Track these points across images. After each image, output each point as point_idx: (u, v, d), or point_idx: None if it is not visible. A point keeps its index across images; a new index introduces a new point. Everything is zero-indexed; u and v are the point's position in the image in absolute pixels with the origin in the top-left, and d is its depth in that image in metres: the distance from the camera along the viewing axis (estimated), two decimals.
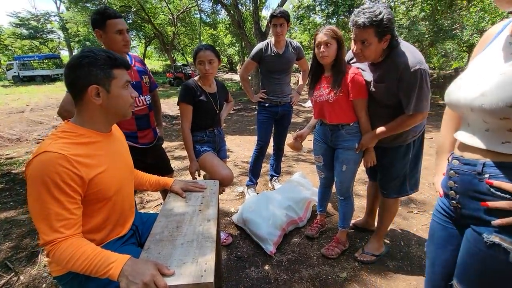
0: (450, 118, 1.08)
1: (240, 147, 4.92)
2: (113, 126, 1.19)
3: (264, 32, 9.69)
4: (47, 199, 0.88)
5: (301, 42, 17.45)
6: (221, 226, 2.41)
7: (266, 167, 3.59)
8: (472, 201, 0.83)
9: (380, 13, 1.38)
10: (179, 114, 2.04)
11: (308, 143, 2.46)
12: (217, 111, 2.06)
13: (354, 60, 1.76)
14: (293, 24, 13.45)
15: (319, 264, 1.97)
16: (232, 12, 11.05)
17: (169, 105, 10.11)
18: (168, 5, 21.91)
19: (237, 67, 31.28)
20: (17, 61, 23.62)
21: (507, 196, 0.74)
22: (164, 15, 23.34)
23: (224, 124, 6.20)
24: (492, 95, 0.73)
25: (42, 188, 0.87)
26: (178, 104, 1.97)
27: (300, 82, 2.96)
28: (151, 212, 2.67)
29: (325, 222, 2.35)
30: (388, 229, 2.19)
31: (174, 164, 3.95)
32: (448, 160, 0.94)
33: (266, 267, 1.95)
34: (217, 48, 1.96)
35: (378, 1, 10.03)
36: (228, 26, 23.70)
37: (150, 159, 1.93)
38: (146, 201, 2.95)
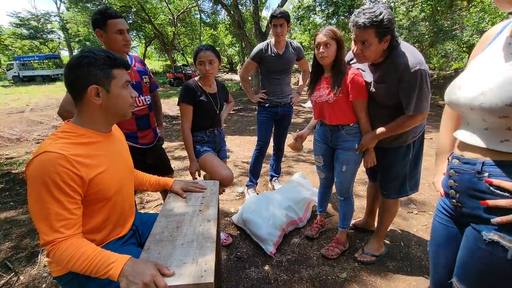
0: (450, 117, 1.09)
1: (240, 148, 4.92)
2: (113, 126, 1.19)
3: (264, 32, 9.69)
4: (47, 199, 0.88)
5: (301, 43, 17.46)
6: (221, 226, 2.41)
7: (266, 167, 3.59)
8: (472, 199, 0.83)
9: (380, 14, 1.38)
10: (179, 114, 2.04)
11: (308, 143, 2.47)
12: (217, 112, 2.06)
13: (354, 60, 1.76)
14: (293, 25, 13.46)
15: (319, 265, 1.97)
16: (232, 12, 11.06)
17: (169, 105, 10.12)
18: (168, 5, 21.92)
19: (237, 68, 31.29)
20: (17, 61, 23.63)
21: (506, 194, 0.75)
22: (164, 15, 23.35)
23: (224, 125, 6.19)
24: (491, 94, 0.74)
25: (42, 188, 0.87)
26: (178, 104, 1.97)
27: (300, 83, 2.96)
28: (151, 212, 2.67)
29: (325, 222, 2.35)
30: (388, 230, 2.19)
31: (174, 164, 3.95)
32: (448, 159, 0.95)
33: (266, 267, 1.95)
34: (217, 49, 1.96)
35: (378, 2, 10.05)
36: (228, 26, 23.70)
37: (150, 159, 1.93)
38: (146, 201, 2.95)
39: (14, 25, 27.37)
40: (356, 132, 1.78)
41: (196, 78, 2.01)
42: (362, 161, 1.88)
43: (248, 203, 2.40)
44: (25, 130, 6.73)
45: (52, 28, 29.72)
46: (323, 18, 10.65)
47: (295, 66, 2.99)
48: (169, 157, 2.22)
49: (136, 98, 1.77)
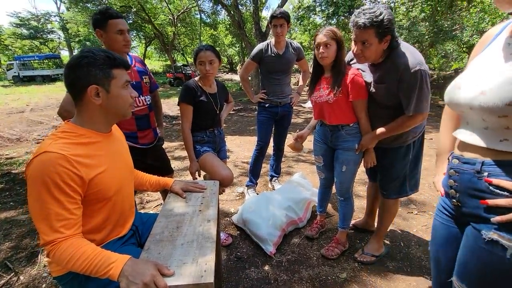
0: (450, 118, 1.09)
1: (240, 148, 4.93)
2: (113, 127, 1.19)
3: (264, 32, 9.70)
4: (47, 199, 0.88)
5: (301, 43, 17.46)
6: (221, 226, 2.41)
7: (266, 167, 3.59)
8: (472, 199, 0.84)
9: (380, 14, 1.38)
10: (179, 115, 2.04)
11: (308, 143, 2.47)
12: (217, 112, 2.06)
13: (354, 60, 1.76)
14: (293, 25, 13.46)
15: (319, 265, 1.97)
16: (232, 12, 11.06)
17: (169, 106, 10.13)
18: (169, 5, 21.93)
19: (237, 68, 31.28)
20: (17, 61, 23.63)
21: (506, 193, 0.76)
22: (165, 15, 23.35)
23: (224, 125, 6.19)
24: (491, 94, 0.75)
25: (42, 188, 0.87)
26: (178, 105, 1.97)
27: (300, 83, 2.96)
28: (151, 212, 2.67)
29: (325, 222, 2.35)
30: (388, 230, 2.19)
31: (174, 164, 3.95)
32: (448, 159, 0.95)
33: (266, 267, 1.95)
34: (217, 49, 1.96)
35: (379, 2, 10.06)
36: (228, 26, 23.70)
37: (150, 159, 1.93)
38: (146, 201, 2.95)
39: (14, 25, 27.38)
40: (356, 132, 1.79)
41: (196, 78, 2.01)
42: (362, 161, 1.88)
43: (248, 203, 2.40)
44: (25, 130, 6.73)
45: (52, 28, 29.74)
46: (323, 18, 10.65)
47: (295, 66, 2.99)
48: (169, 157, 2.22)
49: (136, 98, 1.77)
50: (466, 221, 0.88)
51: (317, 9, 10.81)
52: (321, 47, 1.67)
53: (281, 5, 10.00)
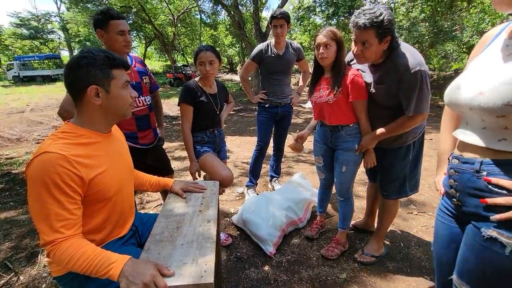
0: (450, 118, 1.11)
1: (240, 148, 4.93)
2: (113, 127, 1.19)
3: (264, 33, 9.70)
4: (47, 200, 0.88)
5: (301, 43, 17.48)
6: (221, 226, 2.41)
7: (266, 168, 3.59)
8: (472, 198, 0.85)
9: (380, 15, 1.38)
10: (180, 115, 2.04)
11: (309, 144, 2.47)
12: (218, 112, 2.06)
13: (354, 61, 1.77)
14: (294, 25, 13.48)
15: (319, 265, 1.97)
16: (232, 13, 11.07)
17: (169, 106, 10.13)
18: (169, 5, 21.94)
19: (237, 68, 31.30)
20: (17, 61, 23.63)
21: (504, 192, 0.77)
22: (165, 15, 23.37)
23: (224, 125, 6.19)
24: (490, 94, 0.76)
25: (42, 188, 0.88)
26: (178, 105, 1.97)
27: (300, 83, 2.96)
28: (151, 212, 2.67)
29: (324, 223, 2.35)
30: (388, 230, 2.19)
31: (174, 164, 3.95)
32: (449, 159, 0.97)
33: (266, 268, 1.95)
34: (217, 49, 1.96)
35: (379, 2, 10.06)
36: (228, 27, 23.70)
37: (150, 159, 1.93)
38: (146, 202, 2.95)
39: (14, 25, 27.42)
40: (356, 132, 1.79)
41: (197, 79, 2.01)
42: (362, 162, 1.88)
43: (248, 204, 2.41)
44: (25, 130, 6.73)
45: (53, 28, 29.77)
46: (323, 19, 10.66)
47: (295, 66, 2.99)
48: (169, 157, 2.22)
49: (136, 99, 1.77)
50: (467, 220, 0.89)
51: (317, 9, 10.82)
52: (321, 48, 1.68)
53: (281, 5, 10.01)
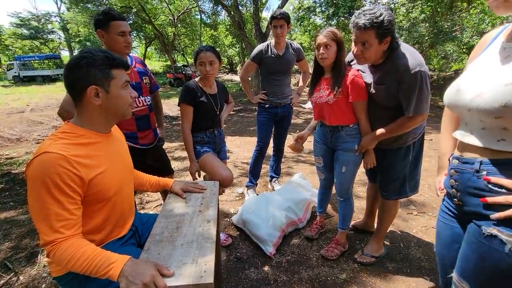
0: (450, 119, 1.12)
1: (240, 148, 4.93)
2: (113, 127, 1.19)
3: (264, 33, 9.71)
4: (47, 200, 0.88)
5: (301, 44, 17.47)
6: (221, 227, 2.41)
7: (266, 168, 3.59)
8: (472, 197, 0.86)
9: (380, 15, 1.38)
10: (180, 115, 2.04)
11: (309, 144, 2.47)
12: (218, 112, 2.06)
13: (355, 61, 1.77)
14: (294, 26, 13.48)
15: (319, 266, 1.97)
16: (232, 13, 11.08)
17: (169, 106, 10.13)
18: (169, 6, 21.96)
19: (237, 68, 31.29)
20: (17, 61, 23.64)
21: (504, 191, 0.79)
22: (165, 16, 23.38)
23: (224, 125, 6.20)
24: (487, 96, 0.78)
25: (42, 188, 0.88)
26: (178, 105, 1.97)
27: (300, 84, 2.96)
28: (151, 212, 2.67)
29: (324, 223, 2.35)
30: (388, 231, 2.19)
31: (174, 164, 3.95)
32: (449, 160, 0.98)
33: (266, 268, 1.95)
34: (217, 49, 1.96)
35: (379, 3, 10.07)
36: (228, 27, 23.71)
37: (150, 160, 1.93)
38: (146, 202, 2.95)
39: (14, 25, 27.44)
40: (356, 133, 1.79)
41: (197, 79, 2.01)
42: (362, 162, 1.88)
43: (247, 204, 2.41)
44: (25, 130, 6.73)
45: (53, 28, 29.79)
46: (323, 19, 10.66)
47: (296, 67, 2.99)
48: (169, 157, 2.22)
49: (136, 99, 1.77)
50: (469, 219, 0.90)
51: (317, 10, 10.82)
52: (321, 48, 1.68)
53: (281, 6, 10.01)
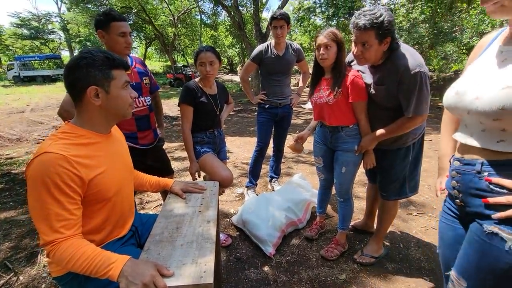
0: (450, 121, 1.13)
1: (240, 148, 4.93)
2: (113, 128, 1.19)
3: (264, 34, 9.72)
4: (47, 200, 0.88)
5: (301, 44, 17.50)
6: (221, 227, 2.41)
7: (265, 168, 3.59)
8: (474, 198, 0.88)
9: (380, 16, 1.39)
10: (180, 115, 2.04)
11: (309, 144, 2.47)
12: (218, 113, 2.06)
13: (355, 62, 1.77)
14: (294, 26, 13.50)
15: (318, 266, 1.97)
16: (232, 13, 11.09)
17: (169, 106, 10.13)
18: (169, 6, 21.96)
19: (237, 69, 31.30)
20: (18, 61, 23.65)
21: (505, 191, 0.80)
22: (165, 16, 23.39)
23: (224, 126, 6.20)
24: (486, 99, 0.80)
25: (42, 188, 0.88)
26: (179, 105, 1.97)
27: (300, 84, 2.97)
28: (151, 213, 2.67)
29: (324, 223, 2.35)
30: (387, 231, 2.19)
31: (174, 165, 3.95)
32: (450, 161, 0.99)
33: (265, 268, 1.95)
34: (217, 50, 1.96)
35: (379, 4, 10.07)
36: (228, 27, 23.74)
37: (150, 160, 1.93)
38: (146, 202, 2.95)
39: (15, 25, 27.45)
40: (355, 133, 1.79)
41: (197, 79, 2.01)
42: (362, 163, 1.88)
43: (247, 204, 2.41)
44: (25, 130, 6.74)
45: (53, 28, 29.82)
46: (323, 20, 10.68)
47: (296, 67, 2.99)
48: (169, 157, 2.22)
49: (136, 99, 1.77)
50: (471, 220, 0.91)
51: (317, 10, 10.84)
52: (321, 49, 1.68)
53: (281, 6, 10.03)
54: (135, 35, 24.47)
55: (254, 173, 2.94)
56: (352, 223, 2.32)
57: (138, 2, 18.69)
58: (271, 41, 2.63)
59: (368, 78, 1.67)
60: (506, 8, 0.76)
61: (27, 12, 27.77)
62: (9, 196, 3.09)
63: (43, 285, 1.82)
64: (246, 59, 12.77)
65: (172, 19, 22.71)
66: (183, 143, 2.13)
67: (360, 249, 2.06)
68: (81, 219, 0.97)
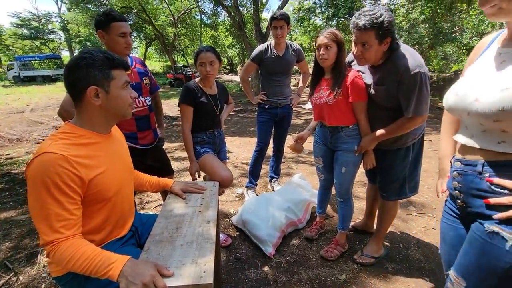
0: (450, 122, 1.13)
1: (240, 149, 4.93)
2: (113, 128, 1.19)
3: (264, 34, 9.72)
4: (47, 200, 0.88)
5: (301, 44, 17.50)
6: (221, 227, 2.41)
7: (265, 168, 3.59)
8: (475, 199, 0.88)
9: (380, 16, 1.39)
10: (180, 115, 2.04)
11: (308, 144, 2.47)
12: (218, 113, 2.06)
13: (355, 62, 1.77)
14: (294, 26, 13.50)
15: (318, 266, 1.97)
16: (232, 13, 11.09)
17: (170, 106, 10.13)
18: (169, 6, 21.97)
19: (238, 69, 31.31)
20: (18, 61, 23.65)
21: (506, 192, 0.80)
22: (165, 16, 23.40)
23: (224, 126, 6.20)
24: (485, 101, 0.80)
25: (42, 188, 0.88)
26: (179, 105, 1.97)
27: (300, 84, 2.97)
28: (151, 213, 2.67)
29: (324, 224, 2.35)
30: (387, 232, 2.19)
31: (174, 165, 3.95)
32: (451, 162, 1.00)
33: (265, 268, 1.95)
34: (217, 50, 1.97)
35: (379, 4, 10.08)
36: (228, 27, 23.73)
37: (150, 160, 1.93)
38: (146, 202, 2.95)
39: (15, 25, 27.47)
40: (355, 134, 1.79)
41: (197, 80, 2.02)
42: (362, 163, 1.88)
43: (247, 204, 2.41)
44: (25, 130, 6.73)
45: (53, 28, 29.83)
46: (323, 20, 10.67)
47: (296, 67, 2.99)
48: (169, 158, 2.22)
49: (136, 99, 1.77)
50: (472, 220, 0.91)
51: (317, 10, 10.84)
52: (321, 49, 1.68)
53: (281, 6, 10.03)
54: (135, 35, 24.48)
55: (254, 173, 2.94)
56: (352, 223, 2.32)
57: (138, 2, 18.69)
58: (271, 41, 2.63)
59: (368, 79, 1.67)
60: (504, 10, 0.77)
61: (27, 12, 27.86)
62: (9, 196, 3.09)
63: (43, 285, 1.82)
64: (246, 59, 12.78)
65: (172, 19, 22.72)
66: (183, 143, 2.13)
67: (360, 249, 2.06)
68: (81, 219, 0.97)
